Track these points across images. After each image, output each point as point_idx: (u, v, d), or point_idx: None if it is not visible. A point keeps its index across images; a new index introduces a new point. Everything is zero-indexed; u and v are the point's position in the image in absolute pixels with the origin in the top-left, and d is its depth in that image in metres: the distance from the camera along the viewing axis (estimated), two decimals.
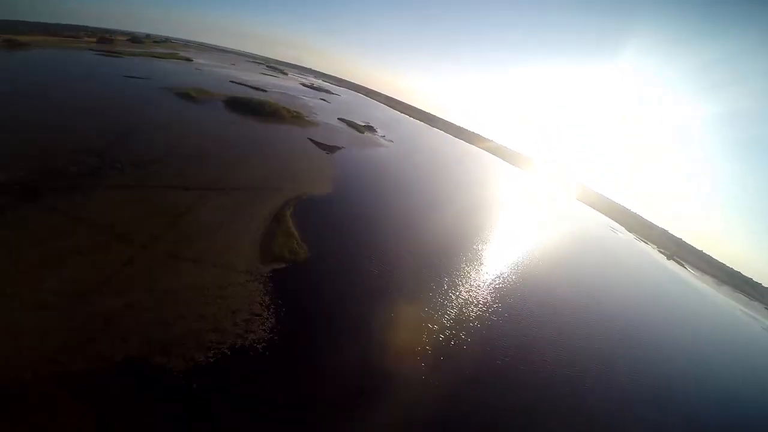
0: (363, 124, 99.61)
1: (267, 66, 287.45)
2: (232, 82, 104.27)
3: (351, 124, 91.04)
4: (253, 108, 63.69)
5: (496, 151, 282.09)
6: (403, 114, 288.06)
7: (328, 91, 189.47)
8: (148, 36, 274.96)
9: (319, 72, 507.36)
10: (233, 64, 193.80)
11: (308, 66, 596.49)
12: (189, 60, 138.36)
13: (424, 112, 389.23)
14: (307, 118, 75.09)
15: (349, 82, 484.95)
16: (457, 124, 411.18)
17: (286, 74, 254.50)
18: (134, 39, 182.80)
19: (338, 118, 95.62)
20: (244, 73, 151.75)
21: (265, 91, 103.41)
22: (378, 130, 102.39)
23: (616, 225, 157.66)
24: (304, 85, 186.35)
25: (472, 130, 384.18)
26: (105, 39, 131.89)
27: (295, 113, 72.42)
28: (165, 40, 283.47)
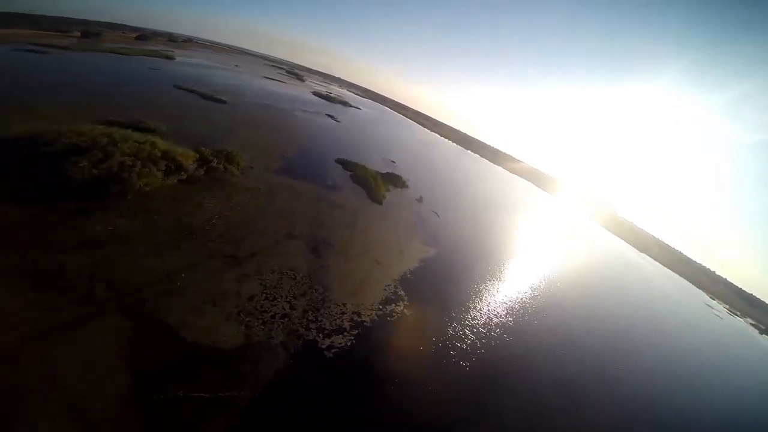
0: (383, 171, 53.85)
1: (286, 71, 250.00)
2: (177, 86, 61.72)
3: (358, 177, 45.13)
4: (45, 164, 19.72)
5: (538, 177, 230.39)
6: (433, 133, 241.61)
7: (345, 104, 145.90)
8: (171, 35, 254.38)
9: (345, 81, 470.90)
10: (236, 66, 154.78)
11: (336, 75, 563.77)
12: (170, 58, 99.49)
13: (456, 130, 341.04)
14: (239, 174, 30.10)
15: (376, 93, 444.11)
16: (493, 145, 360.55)
17: (302, 80, 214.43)
18: (142, 37, 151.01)
19: (337, 160, 50.23)
20: (235, 75, 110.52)
21: (224, 102, 59.91)
22: (409, 179, 56.05)
23: (716, 305, 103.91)
24: (317, 94, 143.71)
25: (509, 153, 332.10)
26: (90, 34, 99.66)
27: (210, 162, 28.00)
28: (188, 40, 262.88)
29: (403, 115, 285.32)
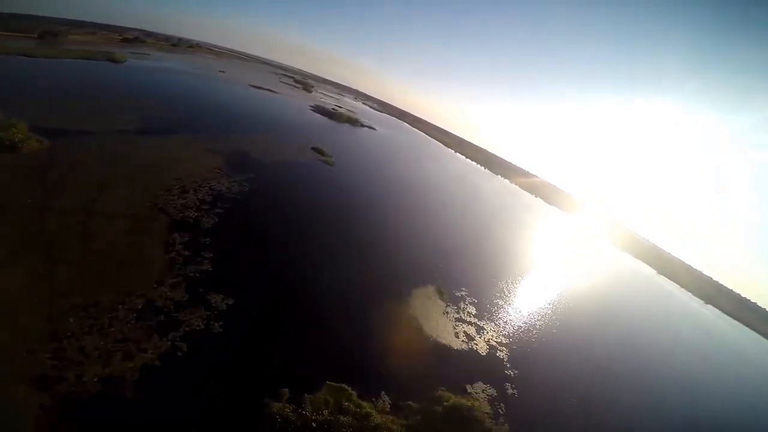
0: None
1: (294, 80, 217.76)
2: None
3: None
4: None
5: (571, 202, 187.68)
6: (458, 154, 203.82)
7: (354, 123, 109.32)
8: (180, 39, 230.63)
9: (361, 93, 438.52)
10: (221, 72, 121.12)
11: (354, 87, 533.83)
12: (116, 62, 65.98)
13: (480, 149, 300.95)
14: None
15: (394, 107, 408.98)
16: (518, 164, 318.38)
17: (309, 91, 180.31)
18: (133, 39, 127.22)
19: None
20: (199, 81, 76.22)
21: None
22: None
23: None
24: (318, 109, 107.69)
25: (536, 173, 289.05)
26: (47, 34, 78.28)
27: None
28: (195, 45, 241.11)
29: (424, 132, 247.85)
